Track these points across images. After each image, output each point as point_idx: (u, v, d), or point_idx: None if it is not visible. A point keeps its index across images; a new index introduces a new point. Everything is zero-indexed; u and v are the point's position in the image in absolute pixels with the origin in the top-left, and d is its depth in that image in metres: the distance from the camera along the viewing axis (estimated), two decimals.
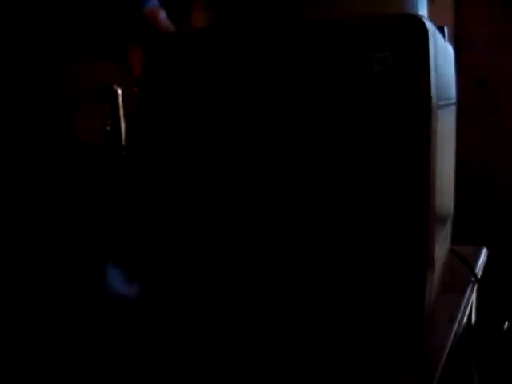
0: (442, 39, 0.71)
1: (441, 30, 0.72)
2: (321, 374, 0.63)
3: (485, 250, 1.06)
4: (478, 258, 1.01)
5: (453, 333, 0.73)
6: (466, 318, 0.87)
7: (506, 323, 0.75)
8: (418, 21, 0.57)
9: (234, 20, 0.71)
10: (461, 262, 0.93)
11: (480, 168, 1.63)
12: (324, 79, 0.61)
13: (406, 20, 0.57)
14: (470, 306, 0.89)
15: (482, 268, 0.98)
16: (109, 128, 1.08)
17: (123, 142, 1.09)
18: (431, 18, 0.63)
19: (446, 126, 0.69)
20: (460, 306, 0.82)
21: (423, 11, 0.75)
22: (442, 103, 0.62)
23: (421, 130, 0.57)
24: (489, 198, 1.63)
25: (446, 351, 0.68)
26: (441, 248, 0.72)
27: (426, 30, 0.57)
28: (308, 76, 0.61)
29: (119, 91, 1.08)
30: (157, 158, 0.70)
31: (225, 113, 0.65)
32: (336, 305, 0.66)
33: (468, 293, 0.87)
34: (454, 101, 0.79)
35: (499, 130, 1.59)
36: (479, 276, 0.93)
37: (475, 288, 0.92)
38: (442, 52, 0.68)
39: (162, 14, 0.77)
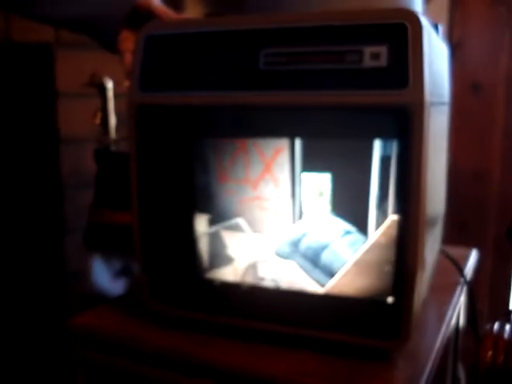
0: (437, 37, 0.71)
1: (435, 27, 0.72)
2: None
3: (475, 252, 1.06)
4: (468, 259, 1.01)
5: (441, 334, 0.73)
6: (454, 319, 0.86)
7: (496, 324, 0.75)
8: (413, 15, 0.56)
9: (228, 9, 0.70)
10: (451, 263, 0.93)
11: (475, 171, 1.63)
12: (312, 73, 0.60)
13: (400, 14, 0.56)
14: (459, 307, 0.89)
15: (471, 270, 0.98)
16: (98, 122, 1.07)
17: (113, 136, 1.08)
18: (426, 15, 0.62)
19: (438, 124, 0.69)
20: (449, 306, 0.81)
21: (418, 9, 0.74)
22: (435, 101, 0.62)
23: (413, 127, 0.57)
24: (484, 202, 1.63)
25: (435, 352, 0.68)
26: (431, 248, 0.71)
27: (420, 25, 0.56)
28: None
29: (110, 84, 1.08)
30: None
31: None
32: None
33: (457, 294, 0.87)
34: (447, 100, 0.78)
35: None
36: (469, 277, 0.93)
37: (464, 289, 0.91)
38: (437, 49, 0.67)
39: (156, 1, 0.76)
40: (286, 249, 0.68)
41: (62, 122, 1.25)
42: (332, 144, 0.65)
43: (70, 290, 1.27)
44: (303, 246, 0.67)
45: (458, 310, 0.91)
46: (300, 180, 0.66)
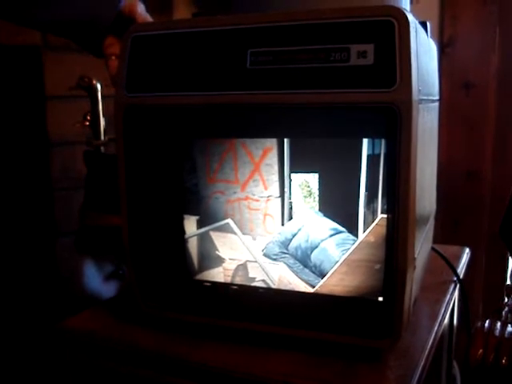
0: (425, 34, 0.71)
1: (423, 25, 0.72)
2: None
3: (467, 251, 1.06)
4: (460, 258, 1.01)
5: (434, 332, 0.73)
6: (447, 317, 0.86)
7: (487, 322, 0.74)
8: (400, 12, 0.56)
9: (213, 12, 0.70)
10: (444, 262, 0.93)
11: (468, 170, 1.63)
12: (300, 72, 0.59)
13: (387, 11, 0.56)
14: (451, 305, 0.89)
15: (464, 268, 0.98)
16: (88, 123, 1.07)
17: (102, 137, 1.07)
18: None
19: (427, 122, 0.68)
20: (442, 305, 0.81)
21: (405, 6, 0.74)
22: (423, 98, 0.61)
23: (401, 125, 0.56)
24: (476, 200, 1.63)
25: (427, 351, 0.68)
26: (422, 246, 0.71)
27: (407, 22, 0.55)
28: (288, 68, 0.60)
29: (98, 86, 1.07)
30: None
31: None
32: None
33: (450, 292, 0.87)
34: (436, 97, 0.78)
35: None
36: (462, 276, 0.93)
37: (457, 288, 0.91)
38: (425, 47, 0.67)
39: (141, 7, 0.76)
40: (276, 249, 0.68)
41: (51, 125, 1.24)
42: (320, 143, 0.64)
43: (61, 293, 1.26)
44: (292, 246, 0.67)
45: (451, 309, 0.91)
46: (289, 180, 0.66)
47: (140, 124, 0.68)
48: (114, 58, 0.75)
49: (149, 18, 0.76)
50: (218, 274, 0.70)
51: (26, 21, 0.76)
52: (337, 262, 0.64)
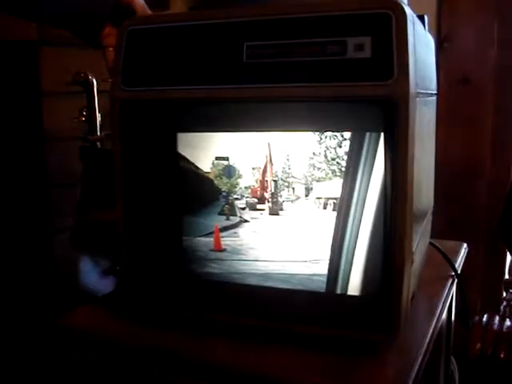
0: (422, 28, 0.70)
1: (421, 18, 0.71)
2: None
3: (465, 245, 1.06)
4: (458, 252, 1.01)
5: (432, 327, 0.73)
6: (445, 312, 0.86)
7: (485, 316, 0.74)
8: (397, 5, 0.55)
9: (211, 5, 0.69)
10: (442, 257, 0.92)
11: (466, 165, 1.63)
12: (297, 65, 0.59)
13: (384, 4, 0.56)
14: (449, 300, 0.89)
15: (461, 263, 0.98)
16: (84, 118, 1.06)
17: (98, 133, 1.07)
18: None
19: (424, 115, 0.68)
20: (440, 300, 0.81)
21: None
22: (420, 91, 0.61)
23: (398, 118, 0.56)
24: (474, 196, 1.63)
25: (425, 346, 0.67)
26: (420, 241, 0.71)
27: (405, 15, 0.55)
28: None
29: (95, 81, 1.07)
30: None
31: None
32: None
33: (448, 287, 0.87)
34: (434, 91, 0.78)
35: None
36: (459, 271, 0.93)
37: (455, 282, 0.91)
38: (422, 40, 0.66)
39: None
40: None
41: (47, 121, 1.23)
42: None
43: (58, 289, 1.26)
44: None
45: (449, 304, 0.91)
46: None
47: (136, 118, 0.67)
48: (111, 49, 0.75)
49: (147, 10, 0.76)
50: (216, 270, 0.70)
51: (23, 13, 0.75)
52: None
